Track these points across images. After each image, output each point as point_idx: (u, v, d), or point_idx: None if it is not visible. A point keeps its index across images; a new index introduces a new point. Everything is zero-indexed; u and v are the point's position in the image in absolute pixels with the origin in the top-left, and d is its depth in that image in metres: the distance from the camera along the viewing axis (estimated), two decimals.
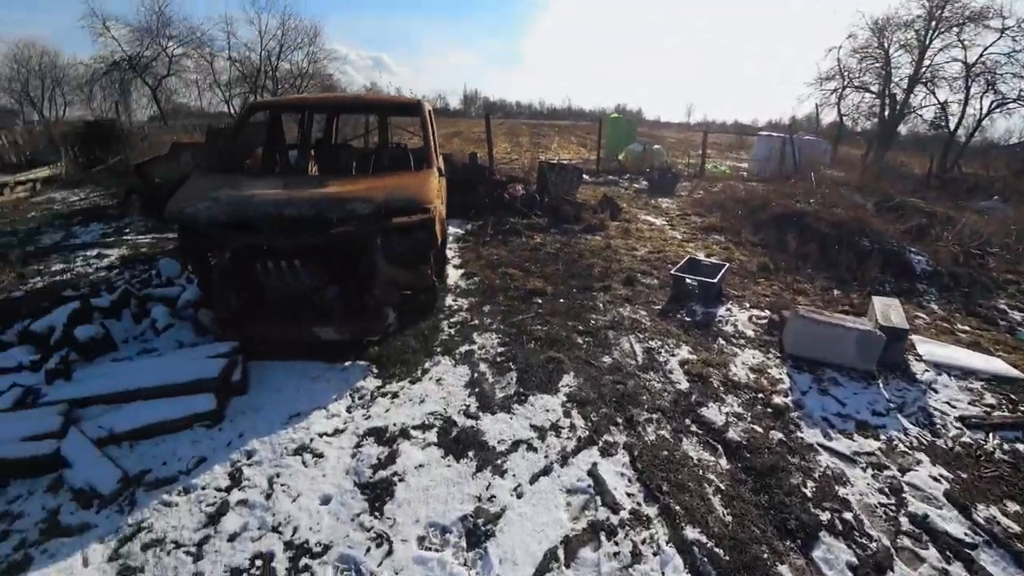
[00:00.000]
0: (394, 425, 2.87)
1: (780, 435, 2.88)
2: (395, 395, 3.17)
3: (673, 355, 3.67)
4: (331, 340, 3.54)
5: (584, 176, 12.06)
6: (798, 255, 6.04)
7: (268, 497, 2.41)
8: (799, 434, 2.91)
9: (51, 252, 6.04)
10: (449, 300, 4.62)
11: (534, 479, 2.50)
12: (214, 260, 3.76)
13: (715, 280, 4.56)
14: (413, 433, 2.81)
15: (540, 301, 4.59)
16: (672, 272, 4.83)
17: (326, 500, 2.40)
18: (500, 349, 3.72)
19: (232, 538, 2.21)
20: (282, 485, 2.48)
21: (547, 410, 3.01)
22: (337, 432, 2.85)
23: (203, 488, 2.46)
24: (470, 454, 2.65)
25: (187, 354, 3.37)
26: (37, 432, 2.71)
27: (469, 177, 8.16)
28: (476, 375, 3.38)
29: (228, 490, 2.45)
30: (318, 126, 8.45)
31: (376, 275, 3.57)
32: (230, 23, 28.45)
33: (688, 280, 4.66)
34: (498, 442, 2.74)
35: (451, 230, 6.87)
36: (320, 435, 2.81)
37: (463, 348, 3.73)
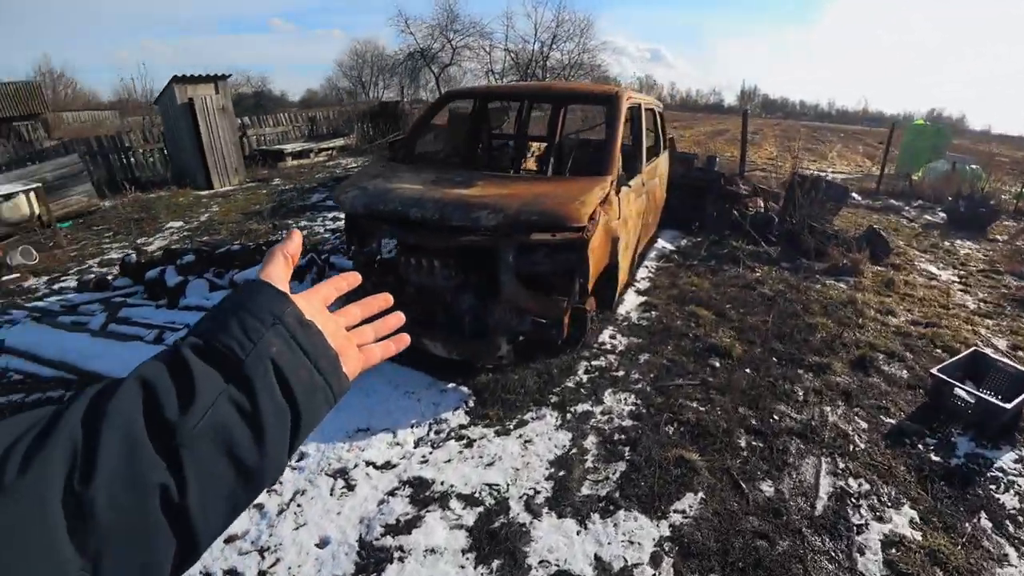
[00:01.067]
0: (441, 484, 2.34)
1: None
2: (470, 443, 2.63)
3: (881, 519, 2.22)
4: (439, 355, 3.20)
5: (855, 197, 9.36)
6: None
7: (280, 512, 2.19)
8: None
9: (307, 210, 7.23)
10: (607, 335, 3.76)
11: None
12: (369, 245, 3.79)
13: (1009, 405, 2.71)
14: (453, 504, 2.23)
15: (717, 365, 3.39)
16: (934, 371, 3.09)
17: (323, 543, 2.07)
18: (626, 423, 2.80)
19: (228, 541, 2.07)
20: (298, 505, 2.23)
21: (631, 541, 2.07)
22: (386, 467, 2.46)
23: None
24: (495, 564, 1.95)
25: None
26: None
27: (699, 183, 6.91)
28: (575, 451, 2.58)
29: None
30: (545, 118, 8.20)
31: (500, 295, 3.04)
32: (510, 17, 31.10)
33: (959, 391, 2.89)
34: (539, 563, 1.97)
35: (660, 244, 5.89)
36: (368, 463, 2.46)
37: (582, 407, 2.93)
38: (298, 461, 2.49)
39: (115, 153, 8.60)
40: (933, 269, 5.58)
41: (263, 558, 2.01)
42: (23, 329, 3.70)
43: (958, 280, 5.31)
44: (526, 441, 2.65)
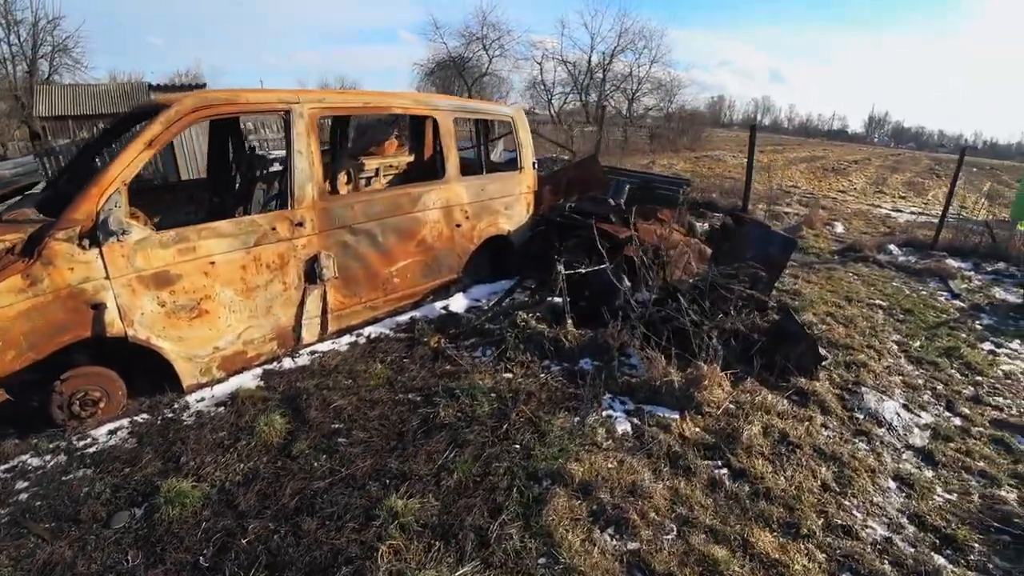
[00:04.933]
0: None
1: None
2: None
3: None
4: None
5: (869, 251, 6.62)
6: None
7: None
8: None
9: None
10: (105, 430, 2.76)
11: None
12: None
13: None
14: None
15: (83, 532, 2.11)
16: None
17: None
18: None
19: None
20: None
21: None
22: None
23: None
24: None
25: None
26: None
27: (568, 221, 4.95)
28: None
29: None
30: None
31: None
32: (564, 25, 29.26)
33: None
34: None
35: (455, 301, 4.48)
36: None
37: None
38: None
39: None
40: (888, 410, 3.19)
41: None
42: None
43: (926, 444, 2.93)
44: None
